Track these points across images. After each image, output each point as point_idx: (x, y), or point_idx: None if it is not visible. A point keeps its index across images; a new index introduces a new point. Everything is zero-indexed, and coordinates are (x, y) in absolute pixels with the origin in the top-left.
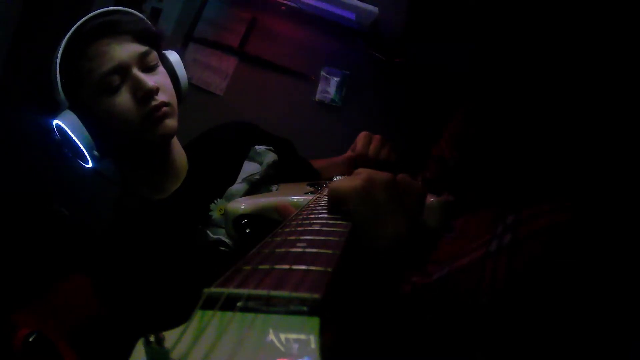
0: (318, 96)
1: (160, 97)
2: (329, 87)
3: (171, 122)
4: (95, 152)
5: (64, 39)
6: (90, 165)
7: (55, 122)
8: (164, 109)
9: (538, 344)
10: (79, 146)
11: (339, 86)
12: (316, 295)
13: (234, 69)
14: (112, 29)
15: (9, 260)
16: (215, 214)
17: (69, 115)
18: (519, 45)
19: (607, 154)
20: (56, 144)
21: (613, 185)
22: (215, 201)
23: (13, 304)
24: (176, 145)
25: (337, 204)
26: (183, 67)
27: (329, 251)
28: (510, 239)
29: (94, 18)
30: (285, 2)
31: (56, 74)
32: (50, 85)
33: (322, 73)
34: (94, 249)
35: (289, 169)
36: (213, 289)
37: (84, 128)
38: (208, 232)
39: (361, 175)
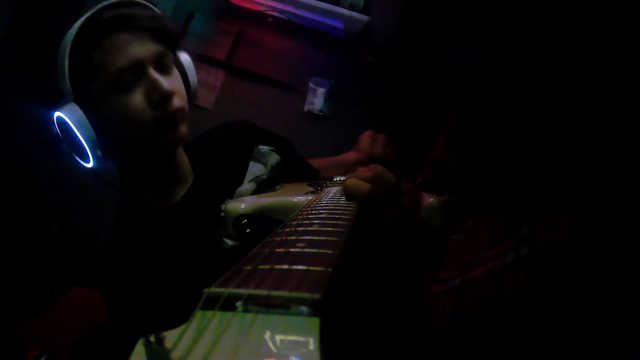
0: (306, 107)
1: (175, 103)
2: (316, 98)
3: (184, 129)
4: (99, 151)
5: (74, 25)
6: (90, 164)
7: (57, 114)
8: (178, 115)
9: (557, 355)
10: (81, 143)
11: (327, 96)
12: (316, 296)
13: (222, 82)
14: (131, 23)
15: (7, 279)
16: None
17: (74, 108)
18: (515, 46)
19: (614, 153)
20: (53, 139)
21: (622, 190)
22: (225, 202)
23: (17, 321)
24: (180, 150)
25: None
26: (194, 71)
27: (329, 251)
28: (528, 252)
29: (110, 8)
30: (271, 13)
31: (64, 63)
32: (55, 74)
33: (310, 84)
34: (103, 260)
35: (290, 168)
36: (213, 289)
37: (88, 124)
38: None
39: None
